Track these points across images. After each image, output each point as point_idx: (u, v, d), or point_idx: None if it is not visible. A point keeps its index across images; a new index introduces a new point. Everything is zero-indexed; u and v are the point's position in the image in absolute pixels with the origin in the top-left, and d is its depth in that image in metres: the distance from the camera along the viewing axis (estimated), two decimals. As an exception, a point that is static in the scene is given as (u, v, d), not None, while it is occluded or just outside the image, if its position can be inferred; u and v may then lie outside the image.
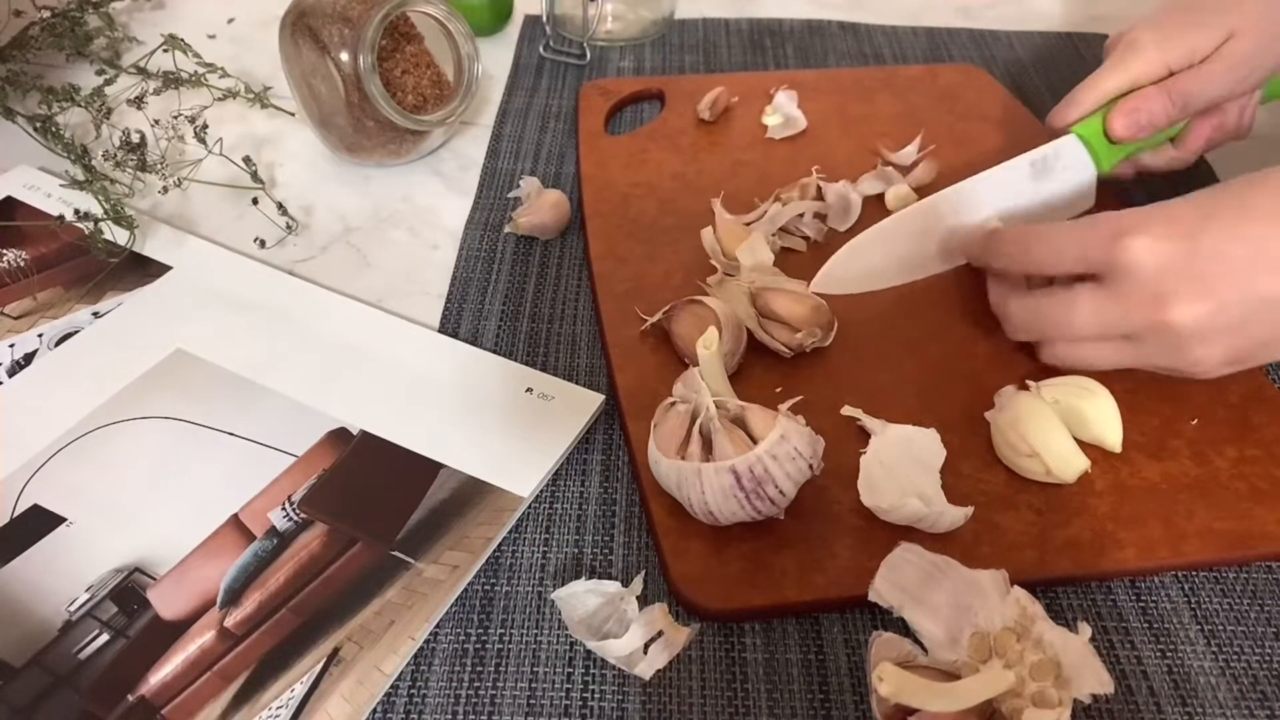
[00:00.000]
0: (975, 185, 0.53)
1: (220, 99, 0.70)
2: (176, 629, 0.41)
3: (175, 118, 0.66)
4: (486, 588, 0.42)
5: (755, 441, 0.40)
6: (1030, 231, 0.46)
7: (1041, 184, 0.54)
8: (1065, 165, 0.54)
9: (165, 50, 0.71)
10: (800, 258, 0.57)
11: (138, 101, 0.65)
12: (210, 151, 0.63)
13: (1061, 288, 0.45)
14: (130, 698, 0.39)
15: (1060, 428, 0.45)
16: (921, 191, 0.60)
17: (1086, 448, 0.45)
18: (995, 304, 0.50)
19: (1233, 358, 0.42)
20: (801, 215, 0.58)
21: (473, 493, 0.45)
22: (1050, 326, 0.46)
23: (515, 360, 0.52)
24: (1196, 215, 0.41)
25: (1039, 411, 0.45)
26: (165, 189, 0.62)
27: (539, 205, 0.59)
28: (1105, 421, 0.46)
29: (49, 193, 0.62)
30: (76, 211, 0.57)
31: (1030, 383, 0.47)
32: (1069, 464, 0.44)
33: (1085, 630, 0.35)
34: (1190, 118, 0.55)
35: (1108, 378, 0.48)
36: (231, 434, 0.48)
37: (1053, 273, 0.46)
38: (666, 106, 0.69)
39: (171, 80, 0.70)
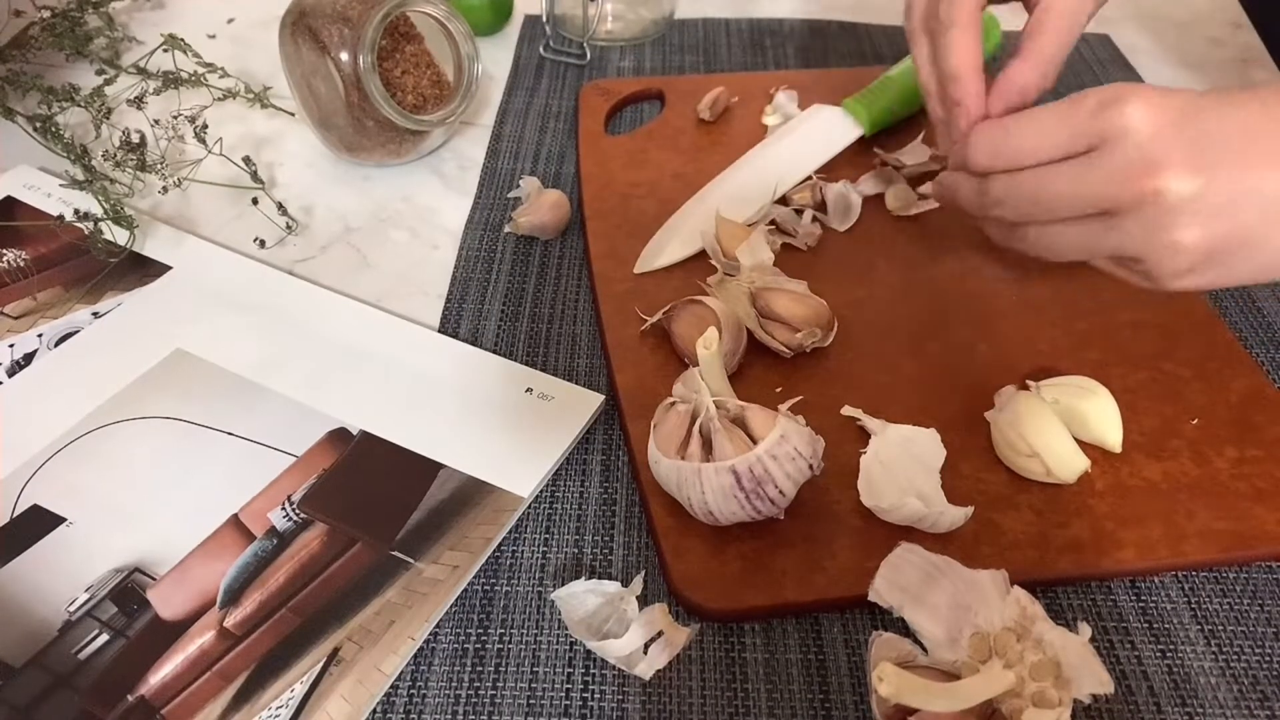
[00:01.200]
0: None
1: (220, 99, 0.70)
2: (176, 629, 0.41)
3: (175, 118, 0.66)
4: (486, 588, 0.42)
5: (755, 441, 0.40)
6: (1010, 118, 0.43)
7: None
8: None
9: (165, 50, 0.71)
10: (800, 257, 0.57)
11: (138, 101, 0.65)
12: (210, 151, 0.63)
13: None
14: (130, 698, 0.39)
15: (1060, 428, 0.45)
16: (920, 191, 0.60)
17: (1086, 447, 0.45)
18: (970, 187, 0.45)
19: (1208, 249, 0.39)
20: (800, 212, 0.58)
21: (473, 493, 0.45)
22: (1026, 198, 0.42)
23: (515, 360, 0.52)
24: (1193, 93, 0.39)
25: (1039, 411, 0.45)
26: (165, 189, 0.62)
27: (539, 205, 0.59)
28: (1105, 421, 0.46)
29: (49, 193, 0.62)
30: (76, 211, 0.57)
31: (1030, 382, 0.47)
32: (1069, 464, 0.44)
33: (1085, 630, 0.35)
34: None
35: (1108, 376, 0.48)
36: (231, 434, 0.48)
37: (1041, 157, 0.42)
38: (666, 106, 0.69)
39: (171, 80, 0.70)
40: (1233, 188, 0.38)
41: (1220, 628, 0.41)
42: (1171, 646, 0.41)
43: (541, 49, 0.77)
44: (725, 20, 0.81)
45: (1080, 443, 0.45)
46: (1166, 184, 0.38)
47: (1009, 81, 0.47)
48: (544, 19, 0.76)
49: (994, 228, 0.46)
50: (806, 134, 0.64)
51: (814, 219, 0.58)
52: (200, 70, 0.71)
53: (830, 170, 0.62)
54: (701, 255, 0.56)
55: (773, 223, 0.58)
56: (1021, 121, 0.42)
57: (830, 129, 0.65)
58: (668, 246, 0.57)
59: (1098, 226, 0.41)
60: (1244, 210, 0.38)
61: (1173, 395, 0.49)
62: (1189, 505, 0.44)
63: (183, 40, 0.71)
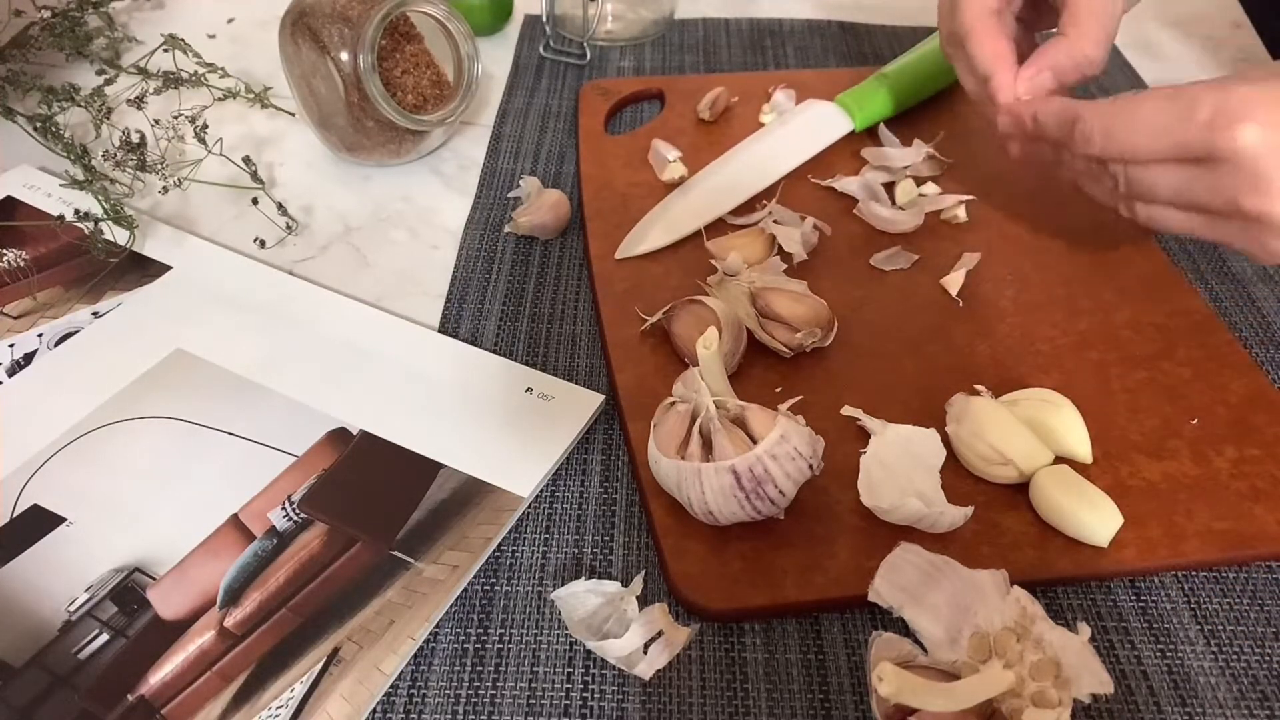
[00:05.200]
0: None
1: (220, 99, 0.69)
2: (176, 629, 0.41)
3: (175, 118, 0.66)
4: (486, 588, 0.42)
5: (755, 441, 0.40)
6: (1121, 110, 0.44)
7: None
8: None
9: (165, 50, 0.71)
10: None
11: (138, 101, 0.65)
12: (210, 151, 0.63)
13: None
14: (130, 698, 0.39)
15: (1020, 426, 0.44)
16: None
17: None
18: (1058, 113, 0.48)
19: None
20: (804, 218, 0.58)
21: (472, 493, 0.45)
22: (1135, 184, 0.44)
23: (515, 360, 0.52)
24: None
25: (998, 416, 0.44)
26: (165, 189, 0.62)
27: (539, 205, 0.59)
28: (1072, 433, 0.45)
29: (49, 192, 0.62)
30: (77, 212, 0.57)
31: (979, 387, 0.47)
32: (1036, 460, 0.44)
33: (1085, 630, 0.35)
34: None
35: (1108, 376, 0.48)
36: (231, 434, 0.48)
37: (1145, 158, 0.44)
38: (666, 106, 0.69)
39: (172, 80, 0.70)
40: None
41: (1220, 628, 0.41)
42: (1171, 646, 0.41)
43: (541, 49, 0.77)
44: (725, 20, 0.81)
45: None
46: (1274, 208, 0.40)
47: (1044, 57, 0.51)
48: (544, 19, 0.76)
49: (1096, 188, 0.48)
50: (798, 128, 0.65)
51: (814, 227, 0.57)
52: (200, 70, 0.71)
53: (822, 165, 0.62)
54: (690, 242, 0.57)
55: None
56: (1130, 113, 0.43)
57: (822, 123, 0.65)
58: (650, 233, 0.57)
59: (1204, 220, 0.43)
60: None
61: (1173, 395, 0.49)
62: (1189, 505, 0.44)
63: (183, 40, 0.71)
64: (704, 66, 0.76)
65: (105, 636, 0.40)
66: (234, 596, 0.42)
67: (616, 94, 0.70)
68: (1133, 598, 0.42)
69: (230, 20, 0.80)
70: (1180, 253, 0.59)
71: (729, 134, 0.66)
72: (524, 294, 0.56)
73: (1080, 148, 0.47)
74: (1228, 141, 0.40)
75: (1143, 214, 0.47)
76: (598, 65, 0.76)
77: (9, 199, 0.62)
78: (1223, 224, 0.43)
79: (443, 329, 0.54)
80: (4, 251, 0.57)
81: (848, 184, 0.61)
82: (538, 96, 0.72)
